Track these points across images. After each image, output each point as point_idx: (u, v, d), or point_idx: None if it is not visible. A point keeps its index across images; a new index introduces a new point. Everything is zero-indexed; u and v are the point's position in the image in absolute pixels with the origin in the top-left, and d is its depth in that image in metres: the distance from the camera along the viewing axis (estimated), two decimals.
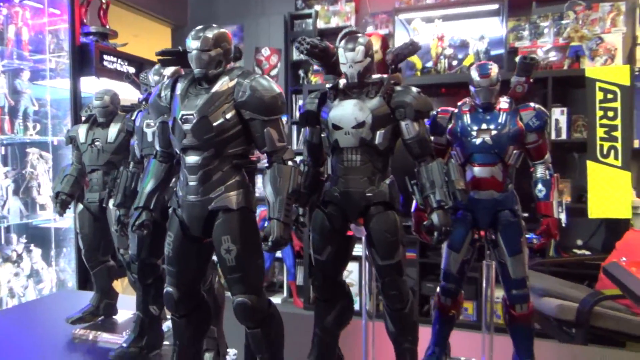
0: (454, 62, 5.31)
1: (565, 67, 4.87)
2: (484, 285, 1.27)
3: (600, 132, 4.63)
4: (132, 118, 1.50)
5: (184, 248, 1.11)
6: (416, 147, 1.11)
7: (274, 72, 6.15)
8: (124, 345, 1.45)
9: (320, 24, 5.80)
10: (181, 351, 1.14)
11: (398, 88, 1.13)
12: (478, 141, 1.19)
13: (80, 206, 1.82)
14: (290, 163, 1.08)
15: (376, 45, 4.78)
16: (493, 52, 4.99)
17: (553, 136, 4.58)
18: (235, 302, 1.06)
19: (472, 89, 1.20)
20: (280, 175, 1.06)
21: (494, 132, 1.19)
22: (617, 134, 4.59)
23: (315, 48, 1.22)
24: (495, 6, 5.00)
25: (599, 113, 4.62)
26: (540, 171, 1.22)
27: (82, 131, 1.82)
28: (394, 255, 1.12)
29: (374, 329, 1.16)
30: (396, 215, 1.13)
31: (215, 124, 1.06)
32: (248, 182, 1.13)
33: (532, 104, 1.22)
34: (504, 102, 1.23)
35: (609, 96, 4.60)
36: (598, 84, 4.61)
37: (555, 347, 1.17)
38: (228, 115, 1.07)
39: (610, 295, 3.68)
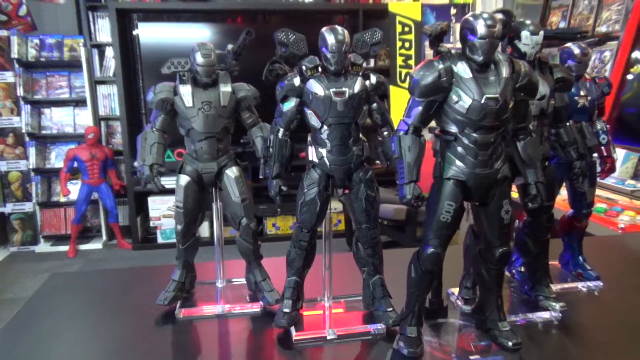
0: None
1: (371, 1, 5.49)
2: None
3: (399, 60, 5.50)
4: (296, 84, 1.34)
5: (460, 214, 1.23)
6: None
7: (22, 12, 5.14)
8: (287, 310, 1.42)
9: None
10: (423, 299, 1.29)
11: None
12: (580, 104, 1.57)
13: (185, 178, 1.52)
14: (534, 135, 1.29)
15: None
16: None
17: None
18: (499, 253, 1.26)
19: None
20: (535, 146, 1.27)
21: (589, 98, 1.58)
22: (412, 62, 5.53)
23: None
24: None
25: (399, 44, 5.46)
26: (600, 124, 1.68)
27: (186, 92, 1.47)
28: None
29: None
30: None
31: (510, 106, 1.18)
32: None
33: (602, 76, 1.65)
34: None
35: (406, 29, 5.45)
36: (398, 18, 5.40)
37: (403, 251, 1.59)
38: (513, 98, 1.20)
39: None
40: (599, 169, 1.68)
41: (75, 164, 5.05)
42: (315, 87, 1.33)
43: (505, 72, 1.18)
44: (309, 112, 1.36)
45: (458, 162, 1.22)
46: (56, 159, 5.37)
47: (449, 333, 1.34)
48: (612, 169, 1.72)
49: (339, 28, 1.31)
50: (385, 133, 1.42)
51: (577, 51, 1.54)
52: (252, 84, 1.59)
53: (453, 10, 5.94)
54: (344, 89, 1.32)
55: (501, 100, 1.16)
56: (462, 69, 1.18)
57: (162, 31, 5.09)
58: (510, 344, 1.25)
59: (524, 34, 1.36)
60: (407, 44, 5.48)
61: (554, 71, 1.41)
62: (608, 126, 1.69)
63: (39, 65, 5.25)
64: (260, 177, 1.42)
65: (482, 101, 1.16)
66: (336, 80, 1.33)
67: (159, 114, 1.53)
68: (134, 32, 5.11)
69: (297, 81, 1.35)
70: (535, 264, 1.52)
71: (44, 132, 5.33)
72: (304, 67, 1.34)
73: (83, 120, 5.31)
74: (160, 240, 5.36)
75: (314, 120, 1.36)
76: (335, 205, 5.44)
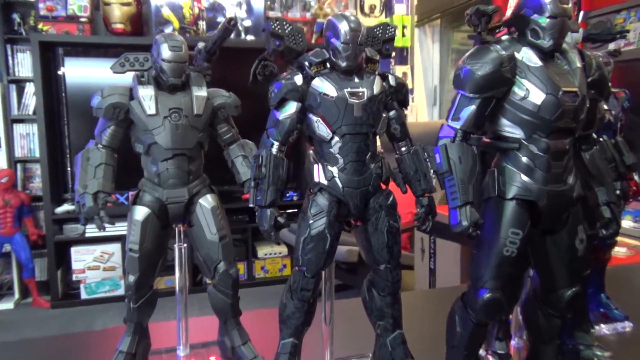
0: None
1: (313, 41, 5.41)
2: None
3: None
4: (298, 83, 1.06)
5: (527, 246, 0.98)
6: None
7: None
8: None
9: None
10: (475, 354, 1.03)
11: None
12: (605, 119, 1.40)
13: (144, 211, 1.15)
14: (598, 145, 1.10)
15: None
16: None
17: None
18: (569, 295, 1.01)
19: None
20: (603, 158, 1.07)
21: (613, 113, 1.43)
22: None
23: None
24: None
25: None
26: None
27: (147, 96, 1.13)
28: None
29: None
30: None
31: (587, 104, 0.97)
32: None
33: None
34: None
35: None
36: None
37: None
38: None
39: None
40: None
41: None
42: (325, 86, 1.06)
43: (577, 61, 0.98)
44: (314, 119, 1.09)
45: (523, 177, 0.98)
46: None
47: None
48: (638, 193, 1.55)
49: (351, 15, 1.08)
50: (404, 149, 1.18)
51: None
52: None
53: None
54: (361, 89, 1.07)
55: (580, 94, 0.95)
56: (528, 56, 0.96)
57: (90, 67, 4.69)
58: None
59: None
60: None
61: None
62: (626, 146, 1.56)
63: None
64: (250, 205, 1.11)
65: (559, 95, 0.94)
66: (349, 79, 1.08)
67: (108, 125, 1.20)
68: (60, 72, 4.67)
69: (299, 79, 1.08)
70: None
71: None
72: (306, 63, 1.08)
73: None
74: (83, 295, 4.77)
75: (321, 130, 1.09)
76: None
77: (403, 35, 5.86)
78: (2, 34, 4.72)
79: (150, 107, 1.18)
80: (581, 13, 2.15)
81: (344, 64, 1.07)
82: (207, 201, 1.24)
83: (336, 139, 1.08)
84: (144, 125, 1.18)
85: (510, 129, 0.99)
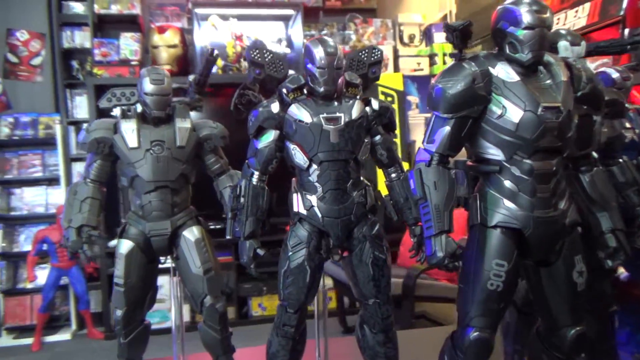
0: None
1: None
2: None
3: None
4: (274, 111, 1.09)
5: (515, 279, 0.93)
6: None
7: (36, 61, 5.07)
8: None
9: (98, 9, 5.01)
10: None
11: None
12: (627, 138, 1.32)
13: (128, 244, 1.21)
14: (600, 166, 1.04)
15: (175, 39, 4.45)
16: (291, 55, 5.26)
17: None
18: (572, 335, 0.95)
19: None
20: (605, 180, 1.01)
21: (637, 131, 1.36)
22: (397, 131, 5.44)
23: None
24: (290, 12, 5.26)
25: None
26: None
27: (129, 129, 1.21)
28: None
29: None
30: None
31: (575, 120, 0.92)
32: None
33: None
34: None
35: (389, 99, 5.41)
36: (380, 88, 5.37)
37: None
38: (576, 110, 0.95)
39: (424, 269, 4.39)
40: None
41: (45, 247, 4.69)
42: (300, 112, 1.07)
43: (562, 74, 0.93)
44: (292, 146, 1.10)
45: (507, 203, 0.91)
46: (25, 241, 5.02)
47: None
48: None
49: (329, 39, 1.08)
50: (394, 175, 1.16)
51: (615, 75, 1.31)
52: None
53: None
54: (338, 114, 1.07)
55: (564, 110, 0.90)
56: (504, 71, 0.92)
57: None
58: None
59: (563, 44, 1.13)
60: None
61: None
62: None
63: (12, 144, 5.04)
64: (228, 237, 1.12)
65: (539, 112, 0.88)
66: (327, 104, 1.08)
67: (94, 159, 1.26)
68: (112, 113, 4.97)
69: (275, 107, 1.10)
70: (598, 347, 1.19)
71: (13, 213, 5.01)
72: (284, 90, 1.10)
73: (55, 199, 5.02)
74: None
75: (298, 158, 1.09)
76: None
77: (444, 63, 5.82)
78: (62, 80, 5.09)
79: (132, 140, 1.22)
80: (626, 30, 2.07)
81: (321, 89, 1.07)
82: (191, 233, 1.26)
83: (314, 166, 1.07)
84: (127, 159, 1.23)
85: (491, 151, 0.95)
